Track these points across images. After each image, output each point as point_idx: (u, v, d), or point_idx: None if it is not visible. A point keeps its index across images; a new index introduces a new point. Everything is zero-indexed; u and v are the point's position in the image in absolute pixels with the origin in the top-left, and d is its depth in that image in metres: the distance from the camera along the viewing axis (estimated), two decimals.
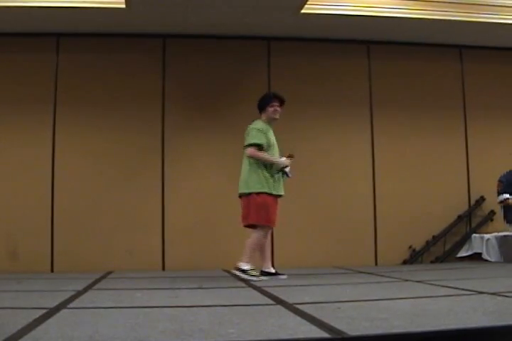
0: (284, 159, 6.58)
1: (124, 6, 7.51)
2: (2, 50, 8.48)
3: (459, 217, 9.10)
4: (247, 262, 6.25)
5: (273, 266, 6.72)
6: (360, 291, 5.27)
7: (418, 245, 8.78)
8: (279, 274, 6.54)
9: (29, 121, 8.42)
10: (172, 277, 5.57)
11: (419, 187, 8.91)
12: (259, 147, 6.46)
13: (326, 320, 3.35)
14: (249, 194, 6.38)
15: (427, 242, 8.85)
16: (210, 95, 8.62)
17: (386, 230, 8.72)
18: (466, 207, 9.18)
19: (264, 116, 6.72)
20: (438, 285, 5.48)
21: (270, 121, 6.73)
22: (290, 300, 4.37)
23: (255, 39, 8.84)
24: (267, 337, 2.94)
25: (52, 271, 8.14)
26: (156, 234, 8.30)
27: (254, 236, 6.33)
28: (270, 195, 6.41)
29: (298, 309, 3.90)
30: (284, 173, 6.57)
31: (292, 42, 8.88)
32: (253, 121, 6.67)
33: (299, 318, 3.52)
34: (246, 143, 6.52)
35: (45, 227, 8.21)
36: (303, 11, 7.75)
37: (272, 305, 4.31)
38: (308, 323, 3.32)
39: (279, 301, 4.43)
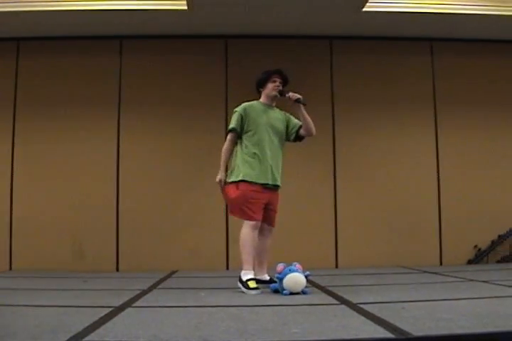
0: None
1: (186, 7, 7.57)
2: (71, 54, 8.64)
3: None
4: (246, 270, 5.33)
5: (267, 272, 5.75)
6: (425, 291, 5.22)
7: (483, 244, 8.64)
8: (275, 282, 5.24)
9: (94, 122, 8.53)
10: (236, 277, 5.58)
11: (484, 185, 8.75)
12: (236, 132, 5.63)
13: (390, 320, 3.33)
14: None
15: (493, 242, 8.70)
16: None
17: (451, 229, 8.58)
18: None
19: (263, 96, 5.80)
20: (504, 286, 5.39)
21: (270, 101, 5.78)
22: (354, 300, 4.37)
23: (317, 38, 8.78)
24: (331, 337, 2.94)
25: (117, 270, 8.24)
26: (220, 234, 8.32)
27: (241, 233, 5.40)
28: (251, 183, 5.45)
29: (362, 309, 3.90)
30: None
31: (354, 40, 8.81)
32: None
33: (363, 318, 3.51)
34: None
35: (110, 227, 8.31)
36: (364, 9, 7.70)
37: (335, 304, 4.30)
38: (372, 323, 3.31)
39: (343, 301, 4.43)
